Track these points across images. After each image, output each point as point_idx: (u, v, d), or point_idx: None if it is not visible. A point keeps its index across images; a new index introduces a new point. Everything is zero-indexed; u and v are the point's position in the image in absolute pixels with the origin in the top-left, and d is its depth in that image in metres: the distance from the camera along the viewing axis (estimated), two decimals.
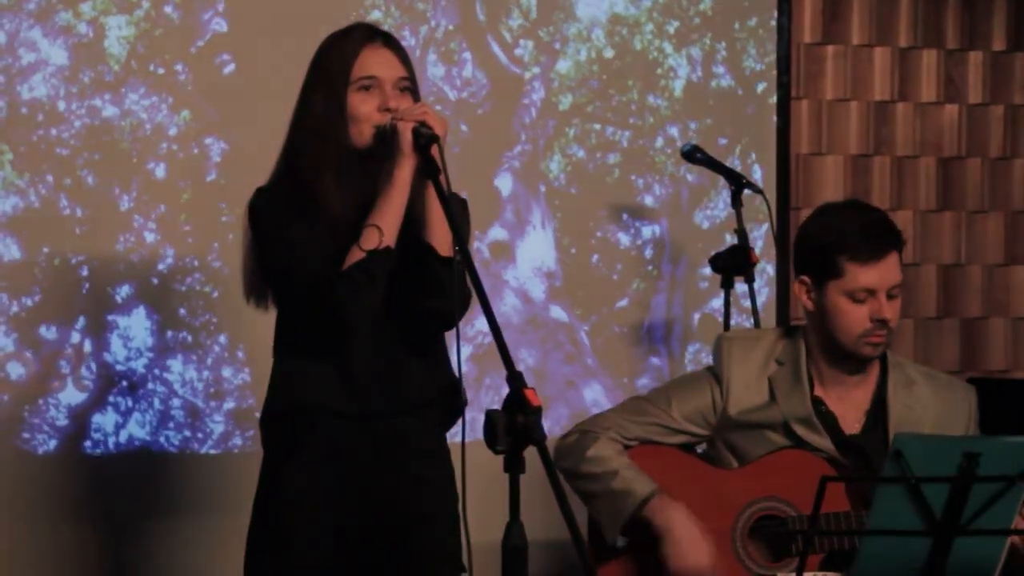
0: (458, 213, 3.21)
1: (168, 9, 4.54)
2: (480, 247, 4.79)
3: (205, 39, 4.59)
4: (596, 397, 4.95)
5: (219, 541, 4.32)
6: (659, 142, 5.07)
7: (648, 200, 5.08)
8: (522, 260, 4.94)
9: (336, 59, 3.25)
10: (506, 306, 4.86)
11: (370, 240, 3.14)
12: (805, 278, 3.53)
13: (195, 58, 4.58)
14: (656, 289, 5.08)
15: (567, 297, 4.98)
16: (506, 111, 4.93)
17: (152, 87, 4.52)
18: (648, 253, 5.09)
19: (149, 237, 4.52)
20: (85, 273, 4.46)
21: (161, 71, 4.54)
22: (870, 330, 3.47)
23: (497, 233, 4.91)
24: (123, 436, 4.49)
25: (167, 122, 4.54)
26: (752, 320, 4.57)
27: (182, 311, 4.55)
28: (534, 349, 4.90)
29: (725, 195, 4.66)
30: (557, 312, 4.97)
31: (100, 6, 4.48)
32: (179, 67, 4.56)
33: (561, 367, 4.94)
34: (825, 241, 3.48)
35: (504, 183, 4.94)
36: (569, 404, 4.95)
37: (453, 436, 3.22)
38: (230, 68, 4.60)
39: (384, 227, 3.15)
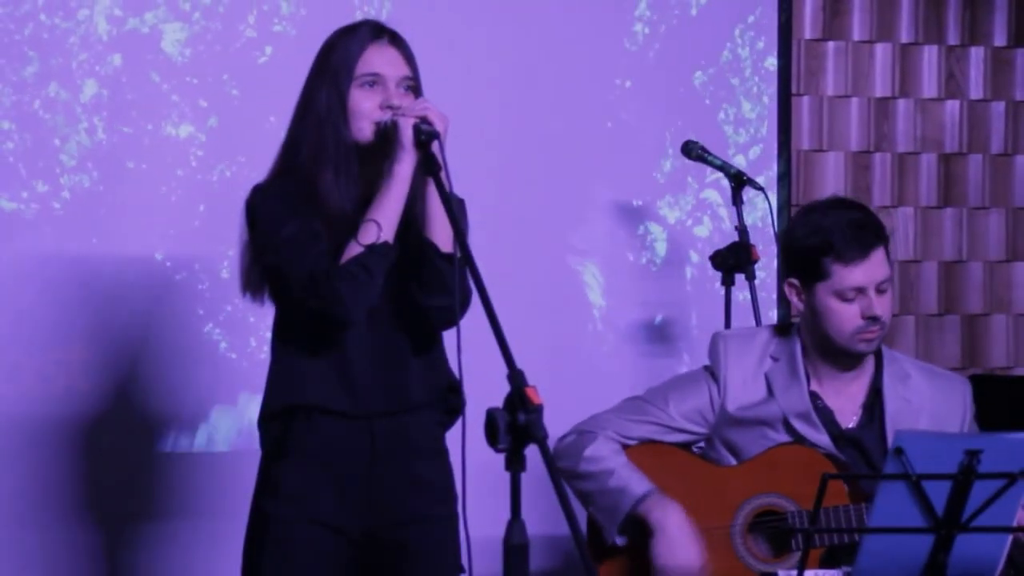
0: (457, 212, 3.20)
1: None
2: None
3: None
4: None
5: (217, 541, 4.32)
6: (658, 138, 5.06)
7: (647, 197, 5.08)
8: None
9: (341, 54, 3.24)
10: None
11: (368, 235, 3.13)
12: (794, 280, 3.57)
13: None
14: (656, 288, 5.08)
15: None
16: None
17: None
18: (647, 252, 5.08)
19: (155, 241, 4.51)
20: (87, 274, 4.46)
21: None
22: (862, 327, 3.50)
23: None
24: (123, 436, 4.48)
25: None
26: (753, 318, 4.57)
27: (186, 311, 4.54)
28: None
29: (726, 192, 4.65)
30: None
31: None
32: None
33: None
34: (810, 244, 3.51)
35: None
36: None
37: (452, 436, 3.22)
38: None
39: (383, 222, 3.14)
